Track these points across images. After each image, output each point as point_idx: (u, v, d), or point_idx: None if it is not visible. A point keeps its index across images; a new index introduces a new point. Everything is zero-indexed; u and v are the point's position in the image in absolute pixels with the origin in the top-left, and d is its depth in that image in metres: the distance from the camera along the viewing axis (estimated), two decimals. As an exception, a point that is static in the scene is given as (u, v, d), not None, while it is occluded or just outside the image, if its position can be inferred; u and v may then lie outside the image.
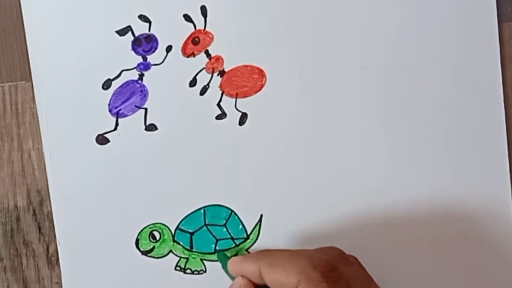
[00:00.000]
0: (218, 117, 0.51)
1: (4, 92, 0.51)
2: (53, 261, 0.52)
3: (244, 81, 0.51)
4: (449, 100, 0.52)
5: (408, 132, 0.52)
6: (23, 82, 0.50)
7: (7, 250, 0.52)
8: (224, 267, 0.49)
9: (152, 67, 0.50)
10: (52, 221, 0.51)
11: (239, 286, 0.46)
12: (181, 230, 0.51)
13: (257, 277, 0.45)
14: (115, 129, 0.50)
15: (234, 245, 0.52)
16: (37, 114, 0.51)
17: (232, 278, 0.47)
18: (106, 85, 0.50)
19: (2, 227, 0.52)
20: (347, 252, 0.47)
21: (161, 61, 0.50)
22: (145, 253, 0.51)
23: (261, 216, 0.52)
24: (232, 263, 0.47)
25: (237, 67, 0.51)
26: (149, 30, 0.50)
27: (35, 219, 0.52)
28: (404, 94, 0.52)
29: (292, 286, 0.42)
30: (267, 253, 0.45)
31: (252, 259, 0.45)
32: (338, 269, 0.43)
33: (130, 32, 0.50)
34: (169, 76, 0.50)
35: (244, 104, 0.51)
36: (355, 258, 0.46)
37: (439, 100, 0.52)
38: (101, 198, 0.51)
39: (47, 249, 0.52)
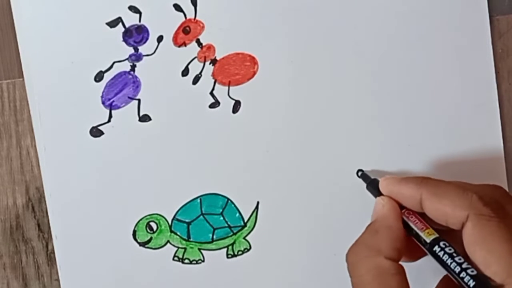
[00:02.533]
0: (212, 106, 0.48)
1: (2, 89, 0.48)
2: (52, 258, 0.48)
3: (236, 69, 0.48)
4: (443, 83, 0.49)
5: (402, 115, 0.49)
6: (20, 79, 0.48)
7: (7, 247, 0.49)
8: (370, 186, 0.45)
9: (144, 57, 0.47)
10: (51, 217, 0.47)
11: (381, 207, 0.42)
12: (178, 220, 0.48)
13: (413, 203, 0.41)
14: (109, 121, 0.47)
15: (231, 233, 0.48)
16: (35, 111, 0.48)
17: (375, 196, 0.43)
18: (98, 77, 0.47)
19: (1, 224, 0.49)
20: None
21: (152, 51, 0.47)
22: (143, 244, 0.48)
23: (258, 203, 0.48)
24: (387, 181, 0.43)
25: (229, 55, 0.48)
26: (140, 20, 0.47)
27: (34, 216, 0.49)
28: (396, 79, 0.48)
29: (459, 220, 0.39)
30: (429, 182, 0.41)
31: (413, 184, 0.41)
32: (504, 207, 0.39)
33: (120, 24, 0.47)
34: (161, 66, 0.47)
35: (237, 92, 0.48)
36: None
37: (432, 83, 0.49)
38: (97, 190, 0.47)
39: (47, 246, 0.49)
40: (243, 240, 0.48)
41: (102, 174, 0.47)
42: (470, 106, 0.48)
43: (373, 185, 0.45)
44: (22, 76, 0.47)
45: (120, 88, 0.47)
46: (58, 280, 0.48)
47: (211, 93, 0.47)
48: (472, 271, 0.38)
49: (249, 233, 0.48)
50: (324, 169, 0.48)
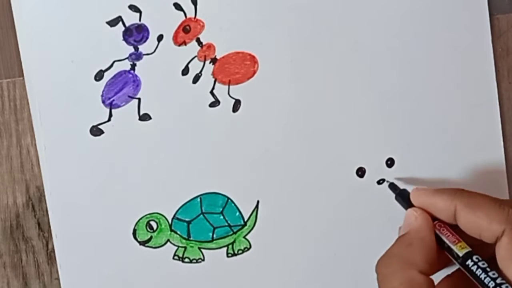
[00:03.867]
0: (212, 105, 0.47)
1: (2, 88, 0.47)
2: (52, 257, 0.48)
3: (237, 68, 0.47)
4: (443, 82, 0.48)
5: (402, 114, 0.48)
6: (21, 78, 0.47)
7: (7, 246, 0.48)
8: (400, 197, 0.44)
9: (144, 56, 0.46)
10: (51, 216, 0.47)
11: (413, 220, 0.41)
12: (178, 219, 0.47)
13: (447, 215, 0.40)
14: (109, 120, 0.46)
15: (231, 232, 0.47)
16: (35, 110, 0.47)
17: (405, 208, 0.42)
18: (99, 76, 0.46)
19: (2, 223, 0.48)
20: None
21: (152, 50, 0.46)
22: (143, 243, 0.47)
23: (258, 202, 0.47)
24: (419, 192, 0.42)
25: (229, 54, 0.47)
26: (140, 20, 0.46)
27: (35, 215, 0.48)
28: (396, 78, 0.48)
29: (494, 233, 0.38)
30: (464, 193, 0.40)
31: (446, 195, 0.40)
32: None
33: (120, 23, 0.46)
34: (161, 65, 0.46)
35: (237, 91, 0.47)
36: None
37: (432, 81, 0.48)
38: (97, 189, 0.46)
39: (47, 245, 0.48)
40: (243, 239, 0.47)
41: (102, 173, 0.46)
42: (470, 105, 0.48)
43: (402, 196, 0.44)
44: (22, 75, 0.46)
45: (120, 87, 0.46)
46: (58, 279, 0.47)
47: (211, 92, 0.47)
48: (507, 287, 0.37)
49: (249, 232, 0.47)
50: (324, 168, 0.47)
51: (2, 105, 0.47)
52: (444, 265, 0.42)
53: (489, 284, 0.38)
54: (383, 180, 0.47)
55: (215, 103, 0.47)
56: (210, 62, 0.47)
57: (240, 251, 0.47)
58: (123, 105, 0.46)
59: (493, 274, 0.38)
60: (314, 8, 0.47)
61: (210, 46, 0.46)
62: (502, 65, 0.48)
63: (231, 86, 0.47)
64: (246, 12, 0.46)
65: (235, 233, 0.47)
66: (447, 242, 0.40)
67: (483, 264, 0.39)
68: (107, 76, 0.46)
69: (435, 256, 0.40)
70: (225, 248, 0.47)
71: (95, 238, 0.47)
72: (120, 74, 0.46)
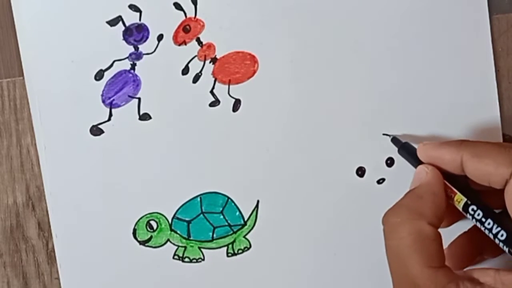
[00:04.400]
0: (212, 104, 0.47)
1: (2, 88, 0.47)
2: (52, 256, 0.47)
3: (237, 68, 0.47)
4: (443, 81, 0.48)
5: (402, 114, 0.48)
6: (21, 78, 0.47)
7: (7, 245, 0.48)
8: (403, 150, 0.44)
9: (144, 56, 0.46)
10: (51, 216, 0.47)
11: (425, 175, 0.41)
12: (178, 218, 0.47)
13: (454, 166, 0.40)
14: (109, 119, 0.46)
15: (231, 232, 0.47)
16: (35, 110, 0.47)
17: (416, 165, 0.42)
18: (99, 76, 0.46)
19: (2, 223, 0.48)
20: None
21: (152, 50, 0.46)
22: (143, 243, 0.47)
23: (258, 202, 0.47)
24: (425, 147, 0.42)
25: (229, 53, 0.47)
26: (140, 19, 0.46)
27: (35, 215, 0.48)
28: (397, 77, 0.47)
29: (502, 177, 0.38)
30: (469, 143, 0.41)
31: (452, 147, 0.41)
32: None
33: (120, 22, 0.46)
34: (161, 65, 0.46)
35: (237, 90, 0.47)
36: None
37: (432, 81, 0.48)
38: (97, 189, 0.46)
39: (47, 245, 0.48)
40: (243, 239, 0.47)
41: (102, 172, 0.46)
42: (470, 105, 0.47)
43: (408, 151, 0.44)
44: (23, 75, 0.46)
45: (120, 87, 0.46)
46: (58, 278, 0.47)
47: (211, 92, 0.46)
48: (502, 235, 0.38)
49: (249, 231, 0.47)
50: (325, 168, 0.47)
51: (2, 104, 0.47)
52: (452, 222, 0.43)
53: (489, 234, 0.38)
54: (383, 179, 0.47)
55: (215, 102, 0.47)
56: (210, 62, 0.46)
57: (240, 251, 0.47)
58: (123, 104, 0.46)
59: (489, 223, 0.38)
60: (314, 8, 0.47)
61: (210, 46, 0.46)
62: (502, 65, 0.48)
63: (231, 86, 0.47)
64: (246, 12, 0.46)
65: (235, 232, 0.47)
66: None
67: (479, 215, 0.39)
68: (107, 75, 0.46)
69: (444, 211, 0.40)
70: (225, 248, 0.47)
71: (95, 237, 0.46)
72: (120, 73, 0.46)
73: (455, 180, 0.41)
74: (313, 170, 0.47)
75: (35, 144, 0.47)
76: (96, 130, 0.46)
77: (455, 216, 0.43)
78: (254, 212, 0.47)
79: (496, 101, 0.48)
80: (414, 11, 0.47)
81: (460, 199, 0.40)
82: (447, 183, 0.41)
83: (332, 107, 0.47)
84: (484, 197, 0.40)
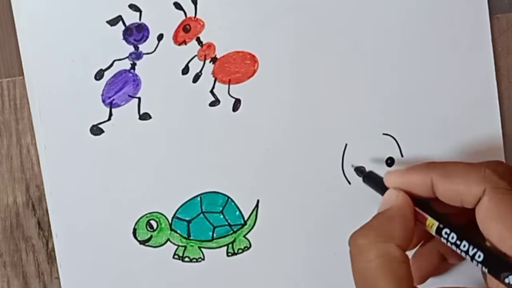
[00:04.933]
0: (212, 104, 0.47)
1: (2, 88, 0.47)
2: (52, 256, 0.47)
3: (237, 67, 0.47)
4: (443, 81, 0.48)
5: (402, 113, 0.48)
6: (21, 77, 0.47)
7: (7, 245, 0.47)
8: (368, 179, 0.44)
9: (144, 56, 0.46)
10: (51, 216, 0.47)
11: (394, 198, 0.40)
12: (178, 218, 0.47)
13: (424, 189, 0.40)
14: (109, 119, 0.46)
15: (231, 231, 0.47)
16: (35, 109, 0.47)
17: (381, 192, 0.42)
18: (99, 75, 0.46)
19: (2, 223, 0.47)
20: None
21: (152, 49, 0.46)
22: (143, 242, 0.47)
23: (258, 201, 0.47)
24: (392, 175, 0.41)
25: (229, 53, 0.46)
26: (140, 19, 0.46)
27: (35, 214, 0.47)
28: (397, 77, 0.47)
29: (474, 196, 0.37)
30: (437, 164, 0.40)
31: (421, 171, 0.40)
32: None
33: (121, 22, 0.46)
34: (161, 64, 0.46)
35: (237, 90, 0.47)
36: None
37: (432, 81, 0.48)
38: (97, 188, 0.46)
39: (47, 244, 0.47)
40: (243, 238, 0.47)
41: (102, 172, 0.46)
42: (470, 104, 0.47)
43: (373, 180, 0.44)
44: (23, 74, 0.46)
45: (120, 87, 0.46)
46: (58, 278, 0.47)
47: (211, 91, 0.46)
48: (479, 257, 0.37)
49: (249, 231, 0.47)
50: (325, 167, 0.47)
51: (2, 104, 0.47)
52: (418, 243, 0.43)
53: (466, 257, 0.38)
54: (355, 166, 0.47)
55: (215, 102, 0.46)
56: (210, 62, 0.46)
57: (240, 250, 0.47)
58: (123, 104, 0.46)
59: (464, 246, 0.38)
60: (314, 7, 0.47)
61: (210, 46, 0.46)
62: (502, 64, 0.48)
63: (231, 85, 0.46)
64: (246, 12, 0.46)
65: (235, 232, 0.47)
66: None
67: (453, 238, 0.38)
68: (107, 75, 0.46)
69: (413, 234, 0.39)
70: (225, 247, 0.47)
71: (95, 237, 0.46)
72: (120, 73, 0.46)
73: (424, 205, 0.41)
74: (313, 169, 0.47)
75: (35, 144, 0.46)
76: (96, 130, 0.46)
77: (421, 237, 0.43)
78: (254, 212, 0.47)
79: (496, 100, 0.48)
80: (414, 11, 0.47)
81: (432, 224, 0.40)
82: (417, 208, 0.41)
83: (332, 107, 0.47)
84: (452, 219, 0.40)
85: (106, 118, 0.46)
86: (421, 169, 0.40)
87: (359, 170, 0.46)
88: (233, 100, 0.47)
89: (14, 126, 0.47)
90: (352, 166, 0.47)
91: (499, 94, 0.48)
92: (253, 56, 0.46)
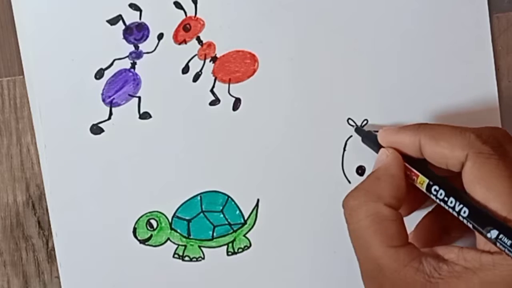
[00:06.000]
0: (212, 103, 0.47)
1: (2, 87, 0.47)
2: (52, 255, 0.47)
3: (237, 67, 0.46)
4: (443, 80, 0.47)
5: (402, 113, 0.47)
6: (21, 76, 0.47)
7: (7, 244, 0.47)
8: (367, 139, 0.44)
9: (144, 55, 0.46)
10: (51, 215, 0.47)
11: (385, 156, 0.41)
12: (178, 217, 0.47)
13: (413, 149, 0.40)
14: (109, 118, 0.46)
15: (231, 230, 0.47)
16: (35, 109, 0.47)
17: (376, 150, 0.43)
18: (99, 74, 0.46)
19: (2, 222, 0.47)
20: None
21: (153, 49, 0.46)
22: (143, 241, 0.47)
23: (258, 200, 0.47)
24: (385, 132, 0.42)
25: (229, 52, 0.46)
26: (140, 18, 0.46)
27: (35, 214, 0.47)
28: (396, 76, 0.47)
29: (458, 160, 0.38)
30: (426, 126, 0.40)
31: (410, 131, 0.40)
32: (503, 146, 0.38)
33: (121, 21, 0.46)
34: (161, 63, 0.46)
35: (237, 89, 0.47)
36: None
37: (432, 80, 0.47)
38: (97, 188, 0.46)
39: (47, 243, 0.47)
40: (243, 238, 0.47)
41: (102, 171, 0.46)
42: (470, 104, 0.47)
43: (370, 139, 0.44)
44: (23, 74, 0.46)
45: (121, 86, 0.46)
46: (58, 277, 0.47)
47: (211, 91, 0.46)
48: (464, 212, 0.38)
49: (249, 230, 0.47)
50: (324, 167, 0.47)
51: (2, 103, 0.47)
52: (416, 208, 0.44)
53: (453, 212, 0.38)
54: (355, 124, 0.47)
55: (215, 101, 0.46)
56: (210, 61, 0.46)
57: (240, 250, 0.47)
58: (123, 103, 0.46)
59: (451, 202, 0.38)
60: (314, 6, 0.46)
61: (210, 45, 0.46)
62: (502, 64, 0.48)
63: (231, 85, 0.46)
64: (246, 11, 0.46)
65: (235, 231, 0.47)
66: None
67: (441, 194, 0.39)
68: (107, 74, 0.46)
69: (403, 192, 0.40)
70: (225, 247, 0.47)
71: (95, 236, 0.46)
72: (120, 72, 0.46)
73: (418, 163, 0.41)
74: (313, 168, 0.47)
75: (35, 143, 0.46)
76: (96, 129, 0.46)
77: (420, 201, 0.43)
78: (254, 211, 0.47)
79: (496, 99, 0.48)
80: (414, 10, 0.47)
81: (422, 181, 0.40)
82: (408, 166, 0.41)
83: (332, 106, 0.47)
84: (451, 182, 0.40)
85: (106, 117, 0.46)
86: (411, 129, 0.41)
87: (359, 130, 0.46)
88: (233, 99, 0.46)
89: (14, 125, 0.47)
90: (353, 126, 0.46)
91: (499, 93, 0.48)
92: (253, 56, 0.46)
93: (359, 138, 0.47)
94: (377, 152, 0.43)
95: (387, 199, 0.39)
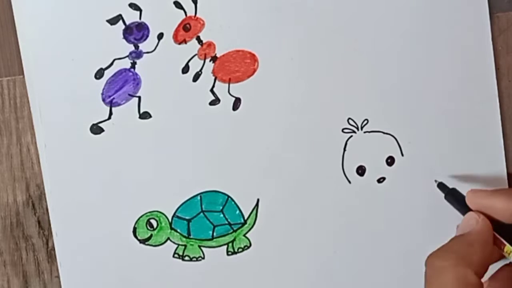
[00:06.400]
0: (212, 103, 0.46)
1: (2, 87, 0.47)
2: (52, 255, 0.47)
3: (237, 66, 0.46)
4: (443, 80, 0.47)
5: (402, 112, 0.47)
6: (21, 76, 0.47)
7: (7, 244, 0.47)
8: (451, 197, 0.43)
9: (144, 55, 0.46)
10: (51, 215, 0.47)
11: (475, 223, 0.40)
12: (178, 217, 0.47)
13: (506, 215, 0.39)
14: (109, 118, 0.46)
15: (231, 230, 0.47)
16: (35, 108, 0.47)
17: (463, 211, 0.41)
18: (99, 74, 0.46)
19: (2, 222, 0.47)
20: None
21: (153, 49, 0.46)
22: (143, 241, 0.47)
23: (258, 200, 0.47)
24: (475, 195, 0.41)
25: (229, 52, 0.46)
26: (140, 18, 0.46)
27: (35, 213, 0.47)
28: (397, 76, 0.47)
29: None
30: None
31: (504, 196, 0.40)
32: None
33: (121, 21, 0.46)
34: (161, 63, 0.46)
35: (237, 89, 0.47)
36: None
37: (433, 79, 0.47)
38: (97, 187, 0.46)
39: (47, 243, 0.47)
40: (243, 237, 0.47)
41: (102, 171, 0.46)
42: (470, 103, 0.47)
43: (456, 198, 0.43)
44: (23, 73, 0.46)
45: (121, 85, 0.46)
46: (58, 277, 0.47)
47: (211, 90, 0.46)
48: None
49: (249, 230, 0.47)
50: (324, 166, 0.47)
51: (2, 103, 0.47)
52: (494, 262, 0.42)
53: None
54: (383, 178, 0.47)
55: (215, 101, 0.46)
56: (210, 60, 0.46)
57: (240, 249, 0.47)
58: (123, 103, 0.46)
59: None
60: (314, 6, 0.46)
61: (210, 45, 0.46)
62: (502, 63, 0.48)
63: (231, 84, 0.46)
64: (246, 11, 0.46)
65: (235, 231, 0.47)
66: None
67: None
68: (108, 74, 0.46)
69: (493, 261, 0.39)
70: (225, 246, 0.47)
71: (95, 236, 0.46)
72: (120, 72, 0.46)
73: (504, 230, 0.40)
74: (313, 168, 0.47)
75: (35, 143, 0.46)
76: (96, 129, 0.46)
77: (495, 260, 0.42)
78: (254, 211, 0.47)
79: (496, 99, 0.47)
80: (414, 10, 0.47)
81: (510, 251, 0.39)
82: (496, 234, 0.40)
83: (332, 106, 0.47)
84: None
85: (106, 117, 0.46)
86: (505, 194, 0.40)
87: (442, 187, 0.45)
88: (233, 99, 0.46)
89: (14, 125, 0.47)
90: (436, 181, 0.46)
91: (499, 93, 0.48)
92: (253, 55, 0.46)
93: (359, 138, 0.47)
94: (462, 213, 0.42)
95: (477, 267, 0.37)
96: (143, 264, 0.47)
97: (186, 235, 0.47)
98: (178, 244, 0.47)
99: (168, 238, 0.47)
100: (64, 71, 0.45)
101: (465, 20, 0.47)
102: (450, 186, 0.45)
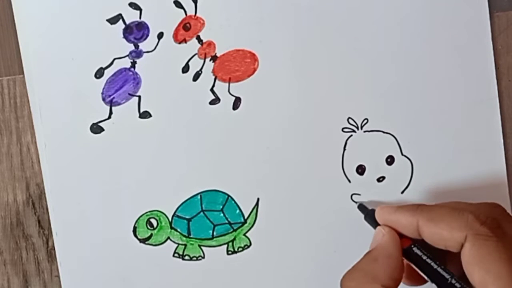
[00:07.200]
0: (212, 102, 0.46)
1: (2, 86, 0.47)
2: (53, 254, 0.47)
3: (237, 66, 0.46)
4: (443, 79, 0.47)
5: (402, 112, 0.47)
6: (21, 76, 0.46)
7: (7, 243, 0.47)
8: (368, 217, 0.44)
9: (144, 54, 0.46)
10: (51, 214, 0.47)
11: (381, 236, 0.41)
12: (178, 216, 0.47)
13: (411, 230, 0.40)
14: (109, 117, 0.46)
15: (231, 229, 0.47)
16: (35, 108, 0.46)
17: (374, 227, 0.42)
18: (99, 74, 0.46)
19: (2, 221, 0.47)
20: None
21: (153, 48, 0.46)
22: (143, 241, 0.47)
23: (258, 199, 0.47)
24: (382, 210, 0.42)
25: (229, 51, 0.46)
26: (140, 17, 0.46)
27: (35, 213, 0.47)
28: (397, 75, 0.47)
29: (457, 242, 0.38)
30: (425, 208, 0.40)
31: (409, 212, 0.40)
32: (502, 225, 0.38)
33: (121, 20, 0.46)
34: (161, 63, 0.46)
35: (237, 88, 0.46)
36: None
37: (432, 79, 0.47)
38: (97, 187, 0.46)
39: (47, 242, 0.47)
40: (243, 237, 0.46)
41: (103, 170, 0.46)
42: (470, 102, 0.47)
43: (370, 217, 0.44)
44: (23, 73, 0.46)
45: (121, 85, 0.45)
46: (58, 276, 0.46)
47: (212, 90, 0.46)
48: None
49: (249, 229, 0.47)
50: (325, 166, 0.47)
51: (2, 102, 0.46)
52: (422, 282, 0.43)
53: None
54: (383, 177, 0.47)
55: (215, 100, 0.46)
56: (210, 60, 0.46)
57: (240, 249, 0.47)
58: (123, 102, 0.46)
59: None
60: (314, 5, 0.46)
61: (210, 44, 0.46)
62: (502, 63, 0.48)
63: (231, 84, 0.46)
64: (246, 10, 0.46)
65: (235, 230, 0.47)
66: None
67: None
68: (108, 73, 0.46)
69: (401, 273, 0.39)
70: (225, 246, 0.47)
71: (95, 235, 0.46)
72: (120, 71, 0.46)
73: (424, 244, 0.41)
74: (313, 168, 0.47)
75: (35, 142, 0.46)
76: (96, 128, 0.46)
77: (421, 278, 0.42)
78: (254, 210, 0.47)
79: (496, 99, 0.47)
80: (414, 9, 0.47)
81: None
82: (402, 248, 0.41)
83: (332, 105, 0.47)
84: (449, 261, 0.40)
85: (106, 117, 0.46)
86: (409, 210, 0.41)
87: (362, 208, 0.46)
88: (233, 98, 0.46)
89: (14, 124, 0.47)
90: (355, 203, 0.47)
91: (499, 92, 0.48)
92: (253, 55, 0.46)
93: (359, 137, 0.47)
94: (374, 228, 0.43)
95: (384, 281, 0.38)
96: (143, 264, 0.47)
97: (186, 235, 0.47)
98: (178, 244, 0.47)
99: (168, 238, 0.47)
100: (64, 71, 0.45)
101: (465, 19, 0.47)
102: (450, 186, 0.45)
